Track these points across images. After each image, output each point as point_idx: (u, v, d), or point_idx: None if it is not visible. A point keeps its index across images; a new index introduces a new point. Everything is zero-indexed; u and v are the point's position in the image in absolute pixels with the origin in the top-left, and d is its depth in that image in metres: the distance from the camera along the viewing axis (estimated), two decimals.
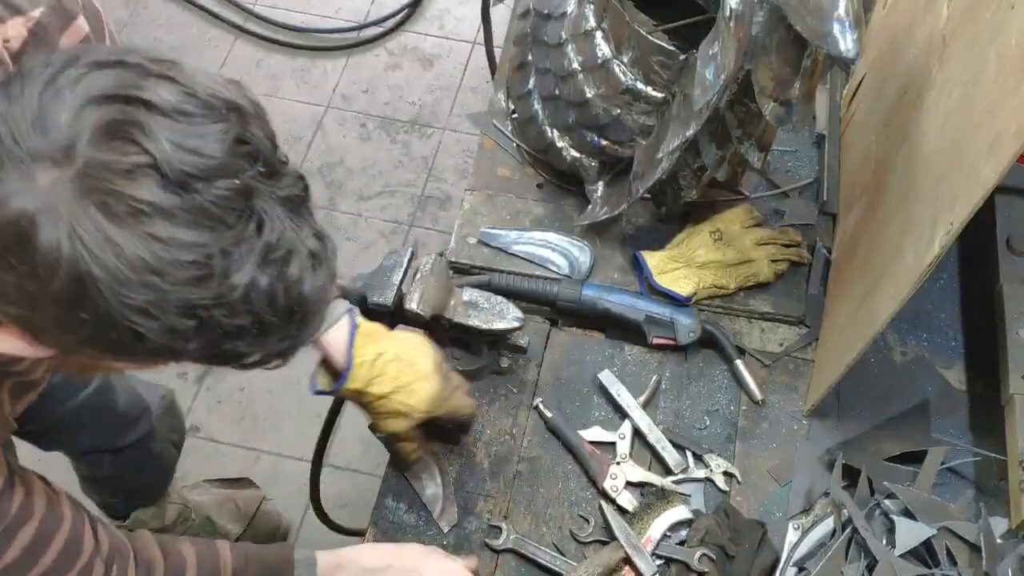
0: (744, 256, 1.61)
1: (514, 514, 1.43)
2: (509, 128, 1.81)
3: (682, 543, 1.38)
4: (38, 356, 0.85)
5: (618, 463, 1.45)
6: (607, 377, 1.51)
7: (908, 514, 1.32)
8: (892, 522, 1.31)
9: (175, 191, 0.73)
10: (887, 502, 1.33)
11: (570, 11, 1.59)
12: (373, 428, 1.37)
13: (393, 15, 3.23)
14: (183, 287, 0.75)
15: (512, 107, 1.80)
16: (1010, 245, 1.53)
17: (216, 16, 3.26)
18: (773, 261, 1.62)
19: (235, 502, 2.27)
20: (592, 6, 1.54)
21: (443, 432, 1.46)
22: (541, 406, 1.50)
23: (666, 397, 1.53)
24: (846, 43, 1.23)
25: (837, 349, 1.44)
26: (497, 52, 2.08)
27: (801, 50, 1.32)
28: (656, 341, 1.55)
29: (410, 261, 1.45)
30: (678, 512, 1.40)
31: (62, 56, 0.77)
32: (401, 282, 1.43)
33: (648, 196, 1.65)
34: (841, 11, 1.23)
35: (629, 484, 1.43)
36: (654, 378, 1.53)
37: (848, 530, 1.32)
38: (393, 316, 1.46)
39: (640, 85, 1.50)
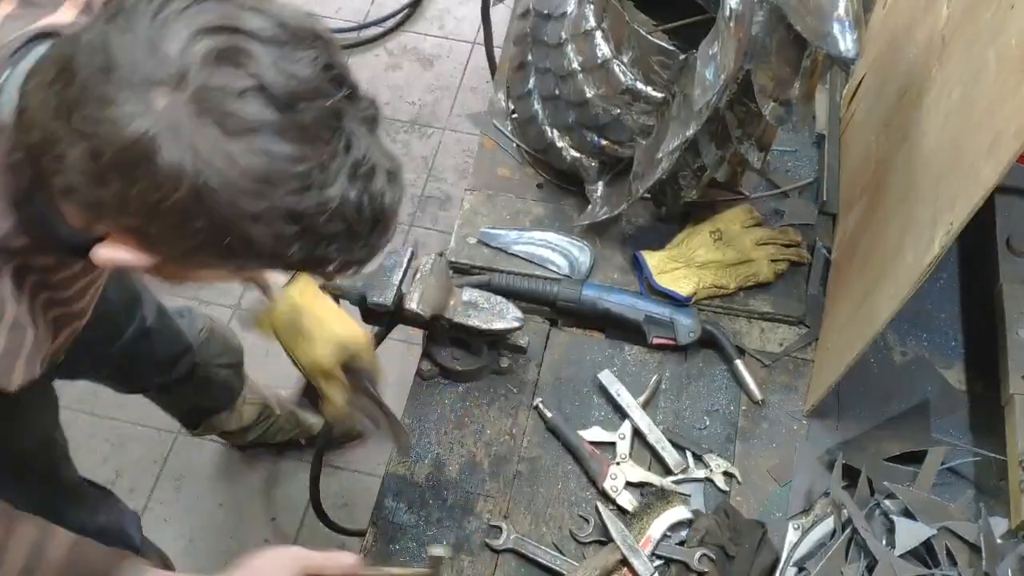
0: (744, 256, 1.61)
1: (514, 514, 1.43)
2: (509, 128, 1.81)
3: (682, 543, 1.38)
4: (143, 264, 0.91)
5: (618, 463, 1.45)
6: (607, 377, 1.51)
7: (908, 514, 1.32)
8: (892, 522, 1.31)
9: (281, 110, 0.81)
10: (887, 502, 1.33)
11: (570, 11, 1.59)
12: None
13: (393, 15, 3.23)
14: (289, 196, 0.84)
15: (512, 107, 1.80)
16: (1010, 245, 1.53)
17: None
18: (773, 261, 1.62)
19: None
20: (592, 6, 1.54)
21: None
22: (541, 406, 1.50)
23: (666, 397, 1.53)
24: (846, 43, 1.23)
25: (837, 349, 1.44)
26: (497, 52, 2.08)
27: (801, 50, 1.32)
28: (656, 341, 1.55)
29: (410, 261, 1.45)
30: (678, 512, 1.40)
31: None
32: (401, 282, 1.43)
33: (648, 196, 1.65)
34: (841, 11, 1.23)
35: (629, 484, 1.43)
36: (654, 378, 1.53)
37: (848, 530, 1.32)
38: (393, 316, 1.46)
39: (640, 85, 1.50)
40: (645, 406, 1.50)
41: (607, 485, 1.43)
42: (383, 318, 1.48)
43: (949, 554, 1.29)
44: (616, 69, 1.51)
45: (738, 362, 1.53)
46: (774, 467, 1.46)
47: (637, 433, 1.48)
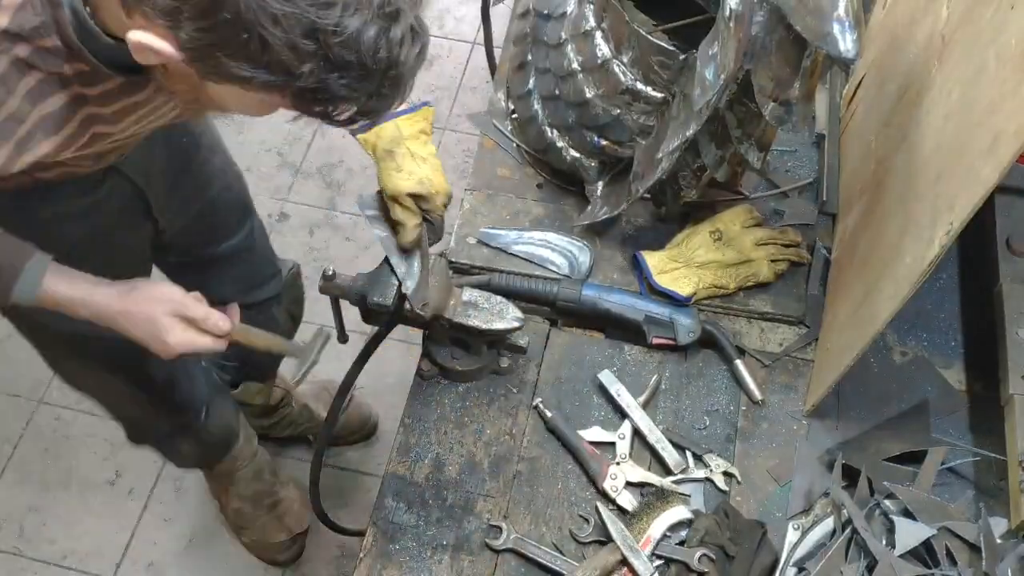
0: (744, 256, 1.61)
1: (514, 514, 1.43)
2: (509, 128, 1.81)
3: (682, 543, 1.38)
4: (171, 56, 0.96)
5: (618, 463, 1.45)
6: (607, 377, 1.51)
7: (908, 514, 1.32)
8: (892, 522, 1.31)
9: None
10: (887, 502, 1.33)
11: (570, 11, 1.59)
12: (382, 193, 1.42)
13: None
14: (312, 7, 0.89)
15: (512, 107, 1.80)
16: (1010, 245, 1.53)
17: None
18: (773, 261, 1.62)
19: (328, 392, 2.43)
20: (592, 6, 1.54)
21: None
22: (541, 406, 1.50)
23: (666, 397, 1.53)
24: (846, 43, 1.23)
25: (837, 349, 1.44)
26: (497, 52, 2.08)
27: (801, 50, 1.32)
28: (656, 341, 1.55)
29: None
30: (678, 512, 1.40)
31: None
32: (401, 282, 1.43)
33: (648, 196, 1.65)
34: (841, 11, 1.23)
35: (629, 484, 1.43)
36: (654, 378, 1.53)
37: (848, 530, 1.32)
38: (393, 316, 1.46)
39: (640, 85, 1.50)
40: (645, 406, 1.50)
41: (607, 485, 1.43)
42: (383, 318, 1.48)
43: (949, 554, 1.29)
44: (616, 69, 1.51)
45: (738, 362, 1.53)
46: (774, 467, 1.46)
47: (637, 433, 1.48)
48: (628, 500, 1.42)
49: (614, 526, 1.38)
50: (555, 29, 1.61)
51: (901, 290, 1.21)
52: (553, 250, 1.65)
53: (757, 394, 1.51)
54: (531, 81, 1.71)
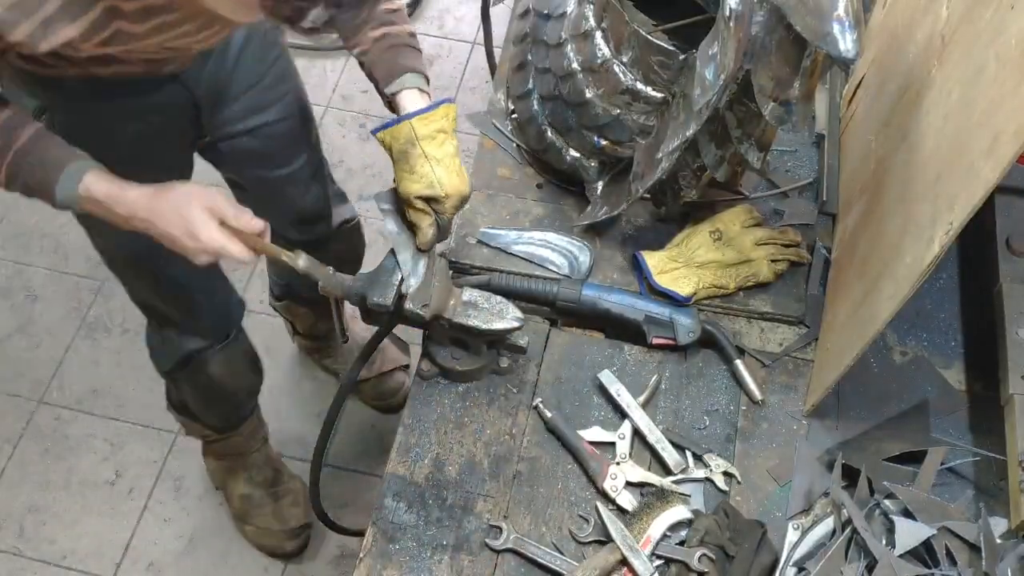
0: (744, 256, 1.61)
1: (514, 514, 1.43)
2: (509, 128, 1.81)
3: (682, 543, 1.38)
4: None
5: (618, 463, 1.45)
6: (607, 377, 1.51)
7: (908, 514, 1.32)
8: (892, 522, 1.31)
9: None
10: (887, 502, 1.33)
11: (570, 11, 1.59)
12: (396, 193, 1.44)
13: None
14: None
15: (512, 107, 1.80)
16: (1010, 245, 1.53)
17: None
18: (773, 261, 1.62)
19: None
20: (592, 6, 1.54)
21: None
22: (541, 406, 1.50)
23: (666, 397, 1.53)
24: (846, 43, 1.23)
25: (837, 349, 1.44)
26: (497, 52, 2.08)
27: (801, 50, 1.32)
28: (656, 341, 1.55)
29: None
30: (678, 512, 1.40)
31: None
32: (401, 282, 1.43)
33: (648, 196, 1.65)
34: (841, 11, 1.23)
35: (629, 484, 1.43)
36: (654, 378, 1.53)
37: (848, 530, 1.32)
38: (393, 316, 1.46)
39: (640, 85, 1.50)
40: (645, 406, 1.50)
41: (607, 485, 1.43)
42: (383, 318, 1.48)
43: (949, 554, 1.29)
44: (616, 69, 1.51)
45: (738, 362, 1.53)
46: (774, 467, 1.46)
47: (637, 433, 1.48)
48: (628, 500, 1.42)
49: (614, 526, 1.38)
50: (555, 29, 1.61)
51: (901, 290, 1.21)
52: (553, 250, 1.65)
53: (757, 394, 1.51)
54: (531, 81, 1.71)
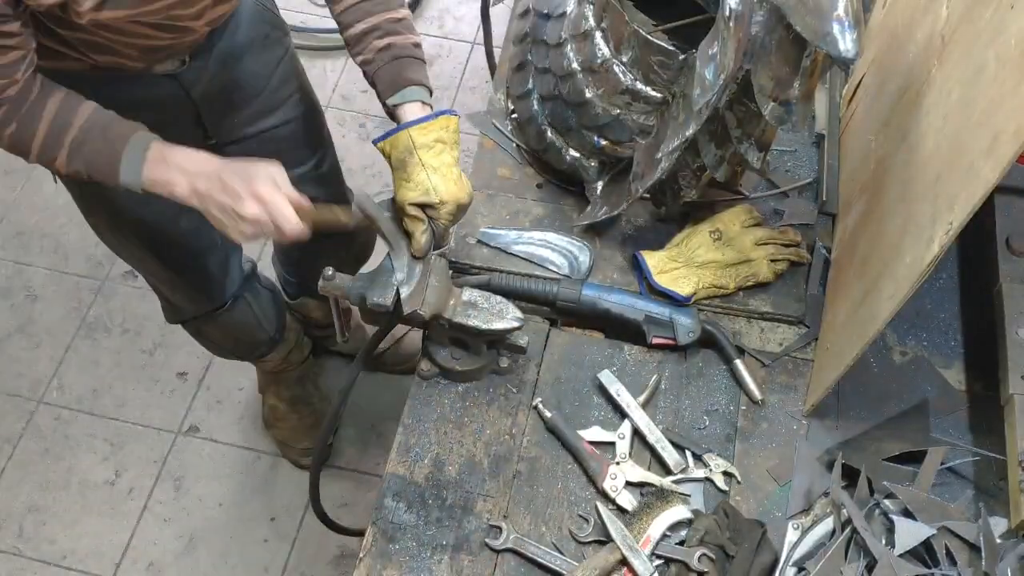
0: (743, 256, 1.61)
1: (514, 514, 1.43)
2: (509, 128, 1.81)
3: (682, 543, 1.38)
4: None
5: (618, 463, 1.45)
6: (607, 377, 1.51)
7: (908, 514, 1.32)
8: (892, 522, 1.31)
9: None
10: (887, 502, 1.34)
11: (570, 11, 1.59)
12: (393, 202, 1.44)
13: None
14: None
15: (512, 107, 1.80)
16: (1010, 245, 1.53)
17: None
18: (772, 261, 1.62)
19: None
20: (592, 6, 1.54)
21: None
22: (541, 406, 1.50)
23: (666, 397, 1.53)
24: (846, 43, 1.23)
25: (837, 349, 1.44)
26: (497, 52, 2.08)
27: (801, 50, 1.32)
28: (656, 341, 1.55)
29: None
30: (678, 512, 1.40)
31: None
32: (401, 282, 1.43)
33: (648, 196, 1.65)
34: (841, 11, 1.23)
35: (629, 484, 1.43)
36: (654, 378, 1.53)
37: (848, 530, 1.32)
38: (393, 316, 1.46)
39: (640, 85, 1.50)
40: (645, 406, 1.50)
41: (607, 485, 1.43)
42: (383, 318, 1.48)
43: (949, 554, 1.29)
44: (616, 69, 1.51)
45: (738, 362, 1.53)
46: (774, 467, 1.46)
47: (637, 433, 1.48)
48: (628, 500, 1.42)
49: (614, 526, 1.38)
50: (555, 29, 1.61)
51: (901, 290, 1.21)
52: (553, 250, 1.66)
53: (757, 394, 1.51)
54: (531, 81, 1.71)
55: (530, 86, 1.72)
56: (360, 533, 1.49)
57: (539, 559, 1.38)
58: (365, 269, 1.50)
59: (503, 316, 1.46)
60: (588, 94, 1.56)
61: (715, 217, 1.66)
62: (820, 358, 1.54)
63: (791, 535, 1.37)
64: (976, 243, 1.59)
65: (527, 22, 1.73)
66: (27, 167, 2.95)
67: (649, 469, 1.46)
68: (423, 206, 1.41)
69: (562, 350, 1.58)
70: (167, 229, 1.79)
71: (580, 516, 1.42)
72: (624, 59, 1.51)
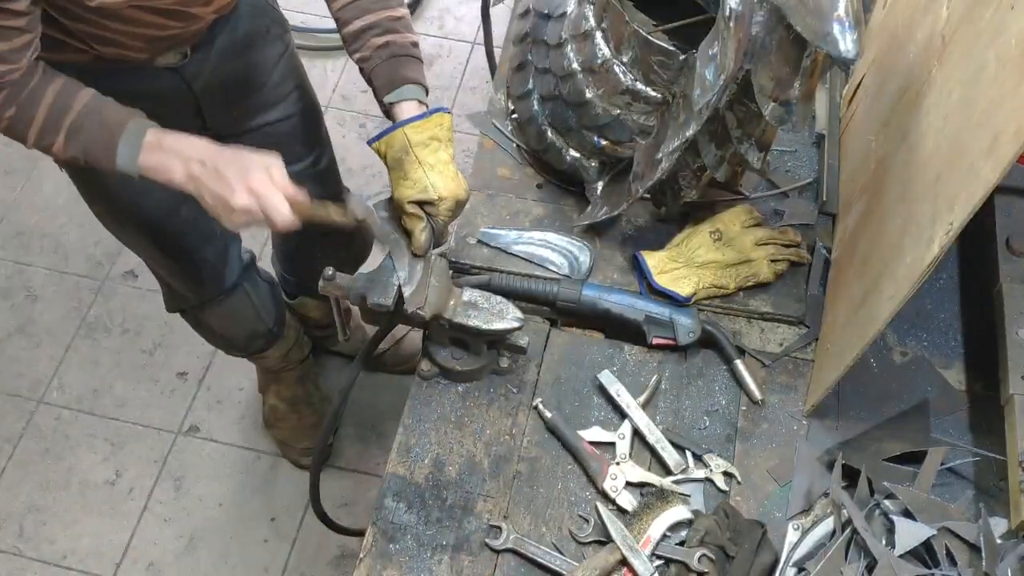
0: (744, 256, 1.61)
1: (514, 514, 1.43)
2: (509, 128, 1.81)
3: (682, 543, 1.38)
4: None
5: (618, 463, 1.45)
6: (607, 377, 1.51)
7: (908, 514, 1.32)
8: (892, 522, 1.31)
9: None
10: (887, 502, 1.34)
11: (570, 11, 1.59)
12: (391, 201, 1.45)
13: None
14: None
15: (512, 107, 1.80)
16: (1010, 245, 1.53)
17: None
18: (773, 261, 1.62)
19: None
20: (592, 6, 1.54)
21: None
22: (541, 406, 1.50)
23: (666, 397, 1.53)
24: (846, 43, 1.23)
25: (837, 349, 1.44)
26: (497, 52, 2.08)
27: (801, 50, 1.32)
28: (656, 341, 1.55)
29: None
30: (678, 512, 1.40)
31: None
32: (401, 282, 1.43)
33: (648, 196, 1.65)
34: (841, 11, 1.23)
35: (629, 484, 1.43)
36: (654, 378, 1.53)
37: (848, 530, 1.32)
38: (393, 316, 1.46)
39: (640, 85, 1.50)
40: (645, 406, 1.50)
41: (607, 485, 1.43)
42: (383, 318, 1.48)
43: (949, 554, 1.29)
44: (616, 69, 1.51)
45: (738, 362, 1.53)
46: (774, 467, 1.46)
47: (637, 433, 1.48)
48: (628, 500, 1.42)
49: (614, 526, 1.38)
50: (555, 29, 1.61)
51: (901, 290, 1.21)
52: (553, 250, 1.66)
53: (757, 394, 1.51)
54: (531, 81, 1.71)
55: (530, 86, 1.72)
56: (360, 533, 1.49)
57: (539, 559, 1.38)
58: (364, 269, 1.50)
59: (503, 316, 1.46)
60: (588, 94, 1.56)
61: (715, 217, 1.66)
62: (820, 358, 1.54)
63: (791, 535, 1.37)
64: (976, 243, 1.59)
65: (527, 22, 1.73)
66: (27, 167, 2.96)
67: (649, 469, 1.46)
68: (422, 204, 1.41)
69: (562, 350, 1.58)
70: (167, 218, 1.79)
71: (580, 516, 1.42)
72: (624, 59, 1.51)
